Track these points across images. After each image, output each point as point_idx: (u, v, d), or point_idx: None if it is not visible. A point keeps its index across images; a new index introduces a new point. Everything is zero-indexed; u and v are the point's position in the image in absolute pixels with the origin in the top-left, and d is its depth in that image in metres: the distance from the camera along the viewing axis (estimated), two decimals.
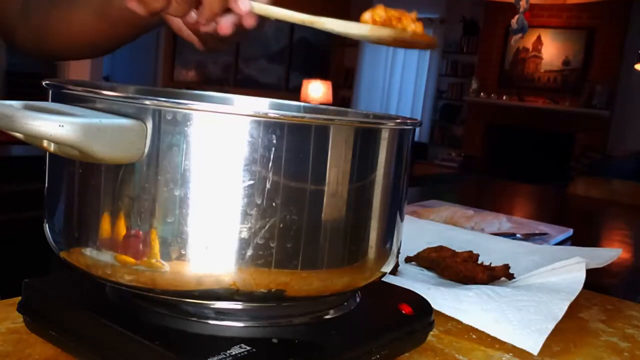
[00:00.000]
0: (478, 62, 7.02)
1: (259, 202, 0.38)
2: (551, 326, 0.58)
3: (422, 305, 0.54)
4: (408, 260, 0.81)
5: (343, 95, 7.85)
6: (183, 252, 0.38)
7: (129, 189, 0.39)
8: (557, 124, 6.55)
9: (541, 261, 0.80)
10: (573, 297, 0.63)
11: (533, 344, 0.56)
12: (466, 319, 0.60)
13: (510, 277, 0.74)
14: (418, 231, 0.91)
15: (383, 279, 0.50)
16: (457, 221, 1.26)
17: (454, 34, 7.24)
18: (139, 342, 0.40)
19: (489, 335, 0.58)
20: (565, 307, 0.61)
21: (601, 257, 0.77)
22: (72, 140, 0.35)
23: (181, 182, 0.38)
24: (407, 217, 0.97)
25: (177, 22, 0.53)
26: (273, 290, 0.40)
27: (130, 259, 0.39)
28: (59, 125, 0.35)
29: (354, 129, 0.41)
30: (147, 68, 6.34)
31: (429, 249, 0.80)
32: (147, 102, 0.37)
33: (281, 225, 0.39)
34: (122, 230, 0.39)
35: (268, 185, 0.38)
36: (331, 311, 0.48)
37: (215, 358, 0.38)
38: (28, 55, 0.72)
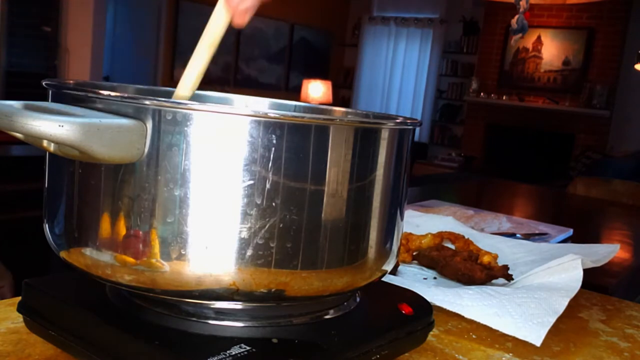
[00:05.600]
0: (478, 62, 7.01)
1: (259, 202, 0.38)
2: (552, 319, 0.58)
3: (422, 305, 0.54)
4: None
5: (343, 95, 7.85)
6: (183, 252, 0.39)
7: (129, 189, 0.39)
8: (557, 124, 6.55)
9: (539, 260, 0.80)
10: (572, 294, 0.63)
11: (535, 337, 0.56)
12: (467, 314, 0.60)
13: (509, 277, 0.74)
14: (424, 225, 0.92)
15: (383, 278, 0.50)
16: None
17: (454, 34, 7.23)
18: (139, 342, 0.40)
19: (489, 335, 0.58)
20: (566, 303, 0.61)
21: (598, 253, 0.77)
22: (72, 140, 0.35)
23: (181, 182, 0.38)
24: (411, 212, 0.96)
25: None
26: (273, 290, 0.40)
27: (130, 259, 0.39)
28: (59, 125, 0.35)
29: (354, 129, 0.41)
30: (147, 68, 6.33)
31: (429, 248, 0.80)
32: (147, 102, 0.37)
33: (281, 225, 0.39)
34: (122, 230, 0.39)
35: (268, 185, 0.38)
36: (331, 311, 0.48)
37: (215, 358, 0.38)
38: None
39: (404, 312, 0.51)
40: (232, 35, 6.41)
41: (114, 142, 0.37)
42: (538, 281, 0.69)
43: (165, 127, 0.37)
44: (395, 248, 0.49)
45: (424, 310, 0.53)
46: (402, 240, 0.71)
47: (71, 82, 0.46)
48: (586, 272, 0.68)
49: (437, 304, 0.61)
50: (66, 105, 0.40)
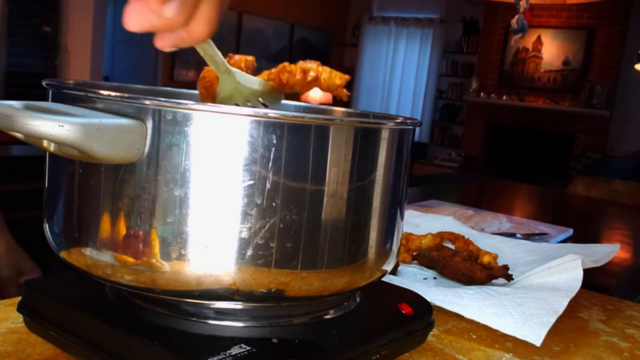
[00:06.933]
0: (478, 62, 7.01)
1: (259, 202, 0.38)
2: (552, 319, 0.58)
3: (422, 305, 0.54)
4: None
5: None
6: (183, 252, 0.39)
7: (129, 189, 0.39)
8: (557, 124, 6.55)
9: (539, 260, 0.80)
10: (572, 294, 0.63)
11: (535, 337, 0.56)
12: (467, 313, 0.60)
13: (509, 277, 0.74)
14: (424, 225, 0.92)
15: (383, 278, 0.50)
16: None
17: (454, 34, 7.24)
18: (139, 342, 0.40)
19: (489, 335, 0.58)
20: (566, 303, 0.61)
21: (598, 253, 0.77)
22: (72, 140, 0.35)
23: (181, 182, 0.38)
24: (411, 212, 0.96)
25: None
26: (273, 290, 0.40)
27: (130, 259, 0.39)
28: (59, 125, 0.35)
29: (354, 129, 0.41)
30: (147, 68, 6.33)
31: (429, 248, 0.80)
32: (147, 102, 0.37)
33: (281, 225, 0.39)
34: (122, 230, 0.39)
35: (268, 185, 0.38)
36: (331, 311, 0.48)
37: (215, 358, 0.38)
38: None
39: (404, 312, 0.51)
40: (233, 35, 6.41)
41: (114, 142, 0.37)
42: (538, 281, 0.69)
43: (165, 127, 0.37)
44: (395, 248, 0.49)
45: (424, 310, 0.53)
46: (402, 240, 0.71)
47: (71, 82, 0.46)
48: (586, 272, 0.68)
49: (437, 304, 0.61)
50: (66, 105, 0.40)
